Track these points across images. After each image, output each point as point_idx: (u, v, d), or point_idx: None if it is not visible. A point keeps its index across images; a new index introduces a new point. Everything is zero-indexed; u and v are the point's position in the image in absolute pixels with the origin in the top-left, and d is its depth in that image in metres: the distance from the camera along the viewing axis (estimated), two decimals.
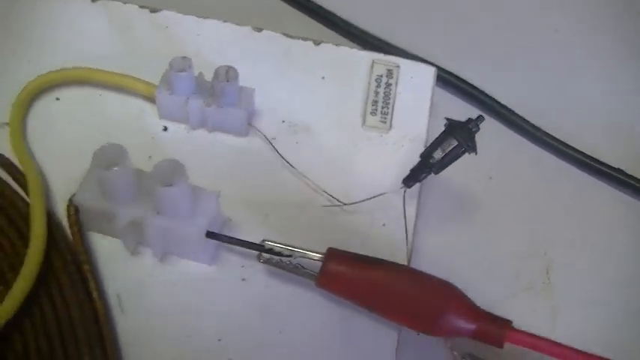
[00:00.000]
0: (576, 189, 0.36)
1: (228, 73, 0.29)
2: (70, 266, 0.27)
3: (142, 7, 0.34)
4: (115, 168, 0.25)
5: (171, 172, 0.25)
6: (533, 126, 0.38)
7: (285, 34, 0.34)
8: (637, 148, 0.38)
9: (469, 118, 0.28)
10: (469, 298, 0.26)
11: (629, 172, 0.37)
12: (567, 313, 0.32)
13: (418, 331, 0.27)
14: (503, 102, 0.38)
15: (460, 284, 0.26)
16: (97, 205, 0.26)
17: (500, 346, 0.26)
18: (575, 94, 0.40)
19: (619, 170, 0.37)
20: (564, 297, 0.32)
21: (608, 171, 0.37)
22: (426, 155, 0.28)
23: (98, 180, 0.26)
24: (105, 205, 0.26)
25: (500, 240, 0.33)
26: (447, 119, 0.29)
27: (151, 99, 0.31)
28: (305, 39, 0.33)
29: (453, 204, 0.34)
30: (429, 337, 0.27)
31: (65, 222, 0.28)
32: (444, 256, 0.32)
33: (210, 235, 0.26)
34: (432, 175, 0.29)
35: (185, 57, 0.29)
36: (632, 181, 0.36)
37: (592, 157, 0.37)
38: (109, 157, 0.25)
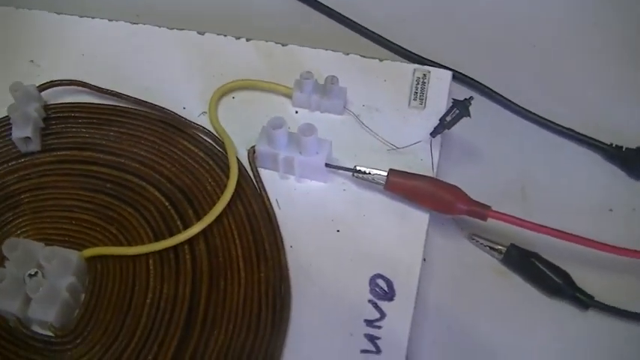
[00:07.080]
0: None
1: (332, 80, 0.52)
2: (251, 185, 0.50)
3: (276, 42, 0.57)
4: (280, 129, 0.48)
5: (308, 129, 0.48)
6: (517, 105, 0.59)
7: (361, 55, 0.56)
8: None
9: (465, 98, 0.50)
10: (466, 194, 0.48)
11: None
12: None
13: (440, 212, 0.48)
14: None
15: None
16: (267, 150, 0.49)
17: (485, 219, 0.47)
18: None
19: None
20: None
21: None
22: (442, 119, 0.50)
23: (269, 136, 0.49)
24: (271, 149, 0.49)
25: None
26: (453, 99, 0.51)
27: (287, 96, 0.54)
28: (373, 58, 0.56)
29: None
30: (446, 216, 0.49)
31: (246, 162, 0.51)
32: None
33: (327, 165, 0.49)
34: (447, 130, 0.51)
35: (309, 71, 0.52)
36: None
37: None
38: (276, 123, 0.48)
